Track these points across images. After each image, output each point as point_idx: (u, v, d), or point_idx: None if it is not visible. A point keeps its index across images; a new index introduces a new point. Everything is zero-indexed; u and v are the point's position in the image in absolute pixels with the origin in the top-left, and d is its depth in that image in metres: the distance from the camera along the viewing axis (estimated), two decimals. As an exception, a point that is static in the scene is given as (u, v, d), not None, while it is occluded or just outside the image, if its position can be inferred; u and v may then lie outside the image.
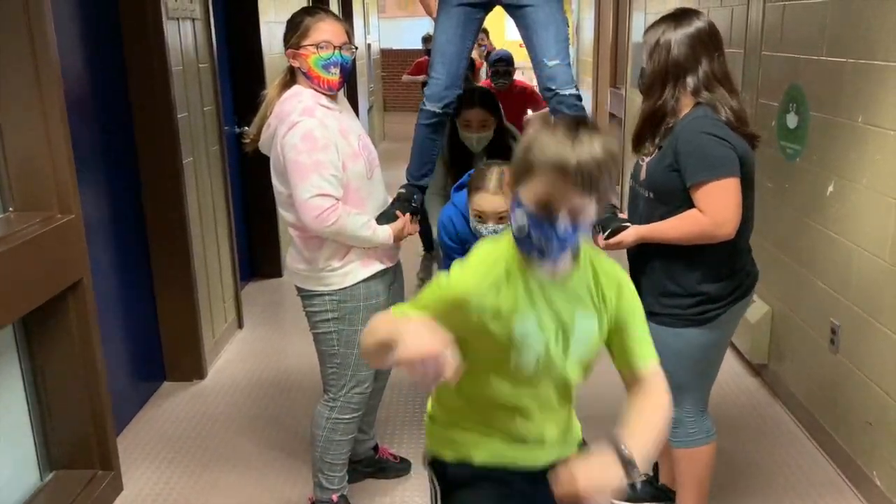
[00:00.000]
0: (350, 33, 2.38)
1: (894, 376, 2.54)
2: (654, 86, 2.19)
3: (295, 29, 2.33)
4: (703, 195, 2.08)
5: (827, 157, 2.96)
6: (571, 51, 6.45)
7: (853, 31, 2.76)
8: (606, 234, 2.25)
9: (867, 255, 2.68)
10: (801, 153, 3.17)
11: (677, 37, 2.14)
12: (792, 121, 3.24)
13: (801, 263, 3.21)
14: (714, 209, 2.08)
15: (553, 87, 2.51)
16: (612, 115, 7.42)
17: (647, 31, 2.24)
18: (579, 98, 2.56)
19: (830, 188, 2.92)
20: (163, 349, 3.68)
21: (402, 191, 2.62)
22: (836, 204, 2.89)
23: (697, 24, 2.16)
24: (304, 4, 5.93)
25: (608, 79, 7.70)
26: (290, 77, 2.37)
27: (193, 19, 3.72)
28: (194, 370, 3.72)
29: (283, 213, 2.38)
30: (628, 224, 2.23)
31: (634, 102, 6.42)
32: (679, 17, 2.19)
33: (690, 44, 2.13)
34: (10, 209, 2.42)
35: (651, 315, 2.26)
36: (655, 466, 2.69)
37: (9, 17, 2.26)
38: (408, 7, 20.66)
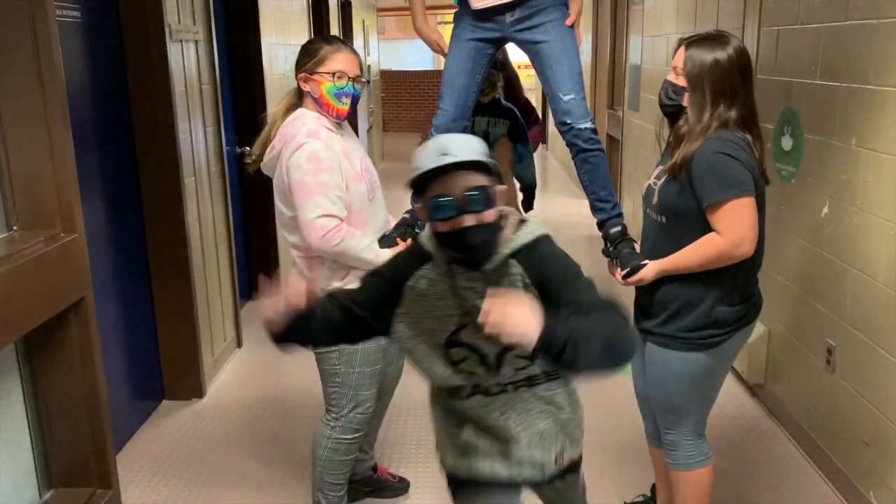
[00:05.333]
0: (363, 67, 2.43)
1: (891, 396, 2.56)
2: (695, 107, 2.12)
3: (312, 55, 2.37)
4: (719, 215, 2.06)
5: (821, 179, 3.00)
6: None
7: (846, 55, 2.81)
8: (625, 272, 2.24)
9: (862, 276, 2.70)
10: (795, 175, 3.21)
11: (723, 61, 2.09)
12: (787, 143, 3.28)
13: (797, 284, 3.23)
14: (730, 229, 2.06)
15: (569, 122, 2.52)
16: (610, 137, 7.47)
17: (688, 48, 2.15)
18: (595, 131, 2.56)
19: (825, 210, 2.96)
20: (162, 368, 3.69)
21: (406, 216, 2.64)
22: (830, 225, 2.93)
23: (738, 47, 2.11)
24: (305, 26, 5.99)
25: (605, 101, 7.77)
26: (297, 100, 2.41)
27: (196, 41, 3.76)
28: (193, 389, 3.72)
29: (286, 235, 2.41)
30: (647, 262, 2.20)
31: (632, 124, 6.48)
32: (718, 39, 2.12)
33: (741, 71, 2.10)
34: (15, 227, 2.44)
35: (654, 336, 2.27)
36: (653, 489, 2.70)
37: (16, 39, 2.30)
38: (407, 30, 20.81)
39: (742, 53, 2.12)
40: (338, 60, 2.34)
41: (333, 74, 2.33)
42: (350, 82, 2.35)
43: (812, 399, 3.10)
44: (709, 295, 2.15)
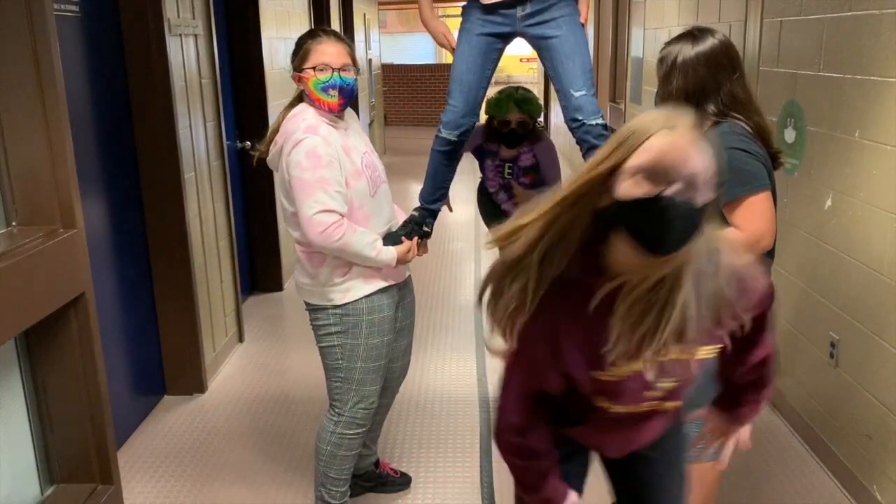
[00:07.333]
0: (352, 55, 2.39)
1: (894, 390, 2.54)
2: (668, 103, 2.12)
3: (297, 52, 2.36)
4: (737, 212, 2.04)
5: (825, 171, 2.98)
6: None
7: (849, 47, 2.79)
8: None
9: (865, 269, 2.69)
10: (798, 168, 3.19)
11: (695, 57, 2.08)
12: (790, 135, 3.26)
13: (800, 278, 3.22)
14: (750, 224, 2.04)
15: (580, 118, 2.49)
16: (612, 131, 7.45)
17: (663, 49, 2.18)
18: (605, 127, 2.54)
19: (828, 202, 2.94)
20: (163, 363, 3.69)
21: (415, 213, 2.62)
22: (834, 218, 2.91)
23: (713, 42, 2.10)
24: (305, 20, 5.97)
25: (607, 94, 7.74)
26: (299, 96, 2.41)
27: (196, 35, 3.75)
28: (195, 384, 3.72)
29: (290, 230, 2.40)
30: None
31: (634, 118, 6.45)
32: (696, 35, 2.12)
33: (708, 64, 2.08)
34: (14, 223, 2.43)
35: None
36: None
37: (13, 34, 2.29)
38: (408, 23, 20.82)
39: (715, 47, 2.09)
40: (320, 52, 2.32)
41: (315, 68, 2.31)
42: (335, 73, 2.30)
43: (815, 392, 3.09)
44: None
